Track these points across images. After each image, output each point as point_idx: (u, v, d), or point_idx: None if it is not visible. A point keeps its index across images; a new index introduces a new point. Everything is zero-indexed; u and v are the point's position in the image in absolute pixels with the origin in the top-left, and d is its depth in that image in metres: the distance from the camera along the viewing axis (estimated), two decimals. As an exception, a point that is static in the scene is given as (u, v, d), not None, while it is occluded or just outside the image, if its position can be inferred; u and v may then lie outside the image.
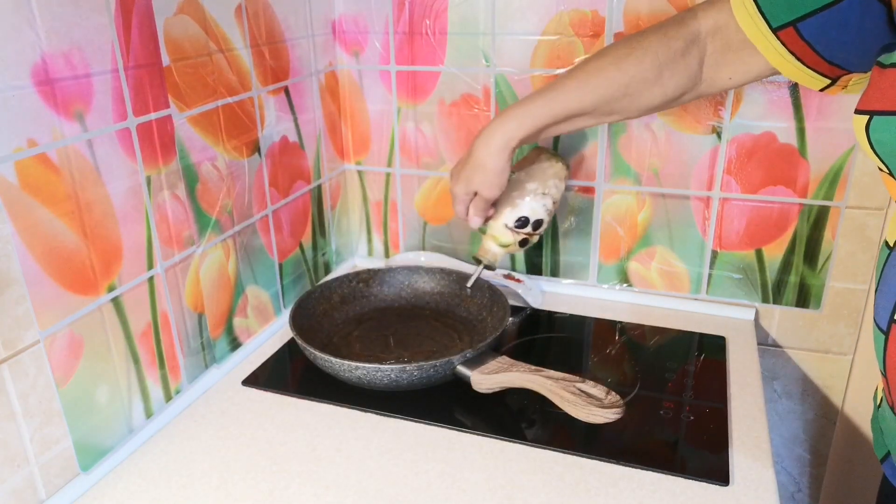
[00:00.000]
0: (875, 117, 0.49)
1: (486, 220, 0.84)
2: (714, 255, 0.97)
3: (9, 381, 0.57)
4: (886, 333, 0.54)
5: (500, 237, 0.85)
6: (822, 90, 0.66)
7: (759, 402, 0.77)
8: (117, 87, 0.64)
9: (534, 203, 0.84)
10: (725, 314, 0.97)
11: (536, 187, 0.84)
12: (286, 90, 0.92)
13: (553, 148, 0.98)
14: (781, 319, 0.97)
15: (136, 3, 0.65)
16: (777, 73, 0.66)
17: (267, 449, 0.71)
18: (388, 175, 1.09)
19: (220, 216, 0.81)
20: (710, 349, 0.89)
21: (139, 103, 0.67)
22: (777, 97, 0.87)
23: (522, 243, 0.86)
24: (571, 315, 0.98)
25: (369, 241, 1.15)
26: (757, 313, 0.97)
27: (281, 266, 0.95)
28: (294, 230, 0.98)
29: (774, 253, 0.94)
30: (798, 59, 0.62)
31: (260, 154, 0.88)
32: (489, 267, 0.88)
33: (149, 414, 0.73)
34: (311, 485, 0.66)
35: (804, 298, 0.95)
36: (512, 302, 0.92)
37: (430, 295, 0.98)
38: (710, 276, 0.98)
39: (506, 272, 1.04)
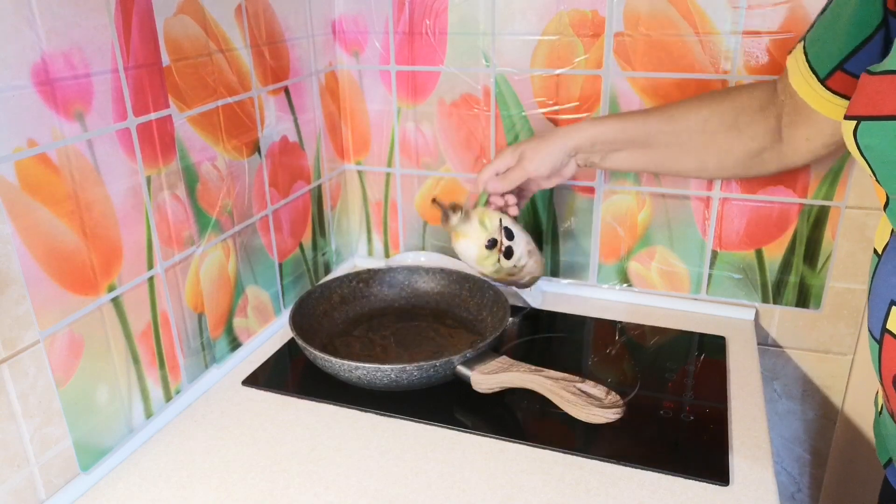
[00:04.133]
0: (862, 122, 0.50)
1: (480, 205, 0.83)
2: (714, 255, 0.97)
3: (9, 381, 0.57)
4: (880, 342, 0.54)
5: (484, 222, 0.84)
6: None
7: (759, 402, 0.77)
8: (117, 87, 0.64)
9: (524, 240, 0.86)
10: (725, 314, 0.97)
11: (529, 241, 0.87)
12: (286, 90, 0.92)
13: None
14: (781, 319, 0.97)
15: (136, 3, 0.65)
16: None
17: (267, 449, 0.71)
18: (388, 175, 1.09)
19: (220, 216, 0.81)
20: (710, 349, 0.89)
21: (139, 103, 0.67)
22: (777, 97, 0.87)
23: (492, 244, 0.84)
24: (571, 315, 0.98)
25: (369, 241, 1.15)
26: (757, 313, 0.98)
27: (281, 266, 0.95)
28: (294, 230, 0.98)
29: (774, 253, 0.94)
30: (849, 99, 0.63)
31: (260, 154, 0.88)
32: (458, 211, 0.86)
33: (149, 414, 0.73)
34: (311, 485, 0.66)
35: (804, 298, 0.95)
36: (512, 302, 0.92)
37: (430, 295, 0.98)
38: (710, 276, 0.98)
39: (506, 272, 1.04)
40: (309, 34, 0.96)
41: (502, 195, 0.85)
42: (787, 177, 0.90)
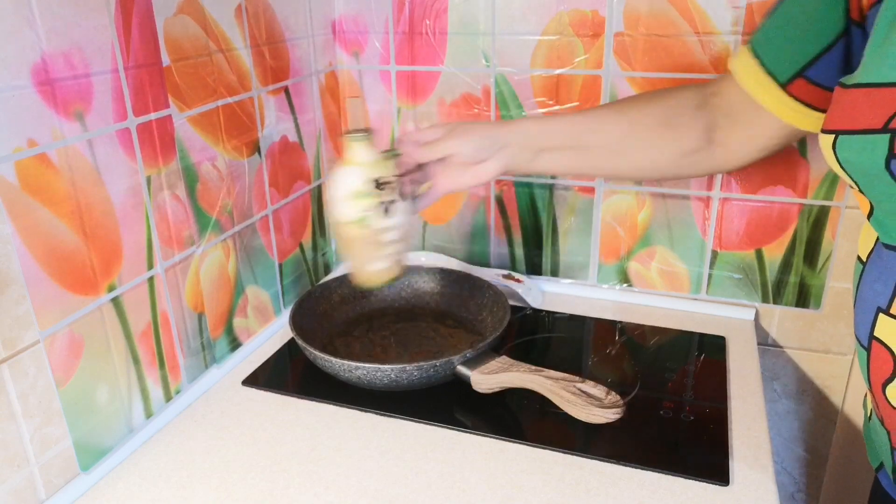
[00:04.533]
0: (840, 136, 0.50)
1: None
2: (714, 255, 0.97)
3: (9, 381, 0.57)
4: (868, 349, 0.54)
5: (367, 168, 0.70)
6: None
7: (759, 402, 0.77)
8: (117, 87, 0.64)
9: (407, 220, 0.73)
10: (725, 314, 0.97)
11: (410, 228, 0.76)
12: (286, 90, 0.92)
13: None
14: (781, 319, 0.97)
15: (136, 3, 0.65)
16: (790, 139, 0.67)
17: (267, 449, 0.71)
18: (388, 175, 1.09)
19: (220, 216, 0.81)
20: (710, 349, 0.89)
21: (139, 103, 0.67)
22: (777, 97, 0.87)
23: (381, 185, 0.70)
24: (571, 315, 0.98)
25: (369, 241, 1.15)
26: (757, 313, 0.97)
27: (281, 266, 0.95)
28: (294, 230, 0.98)
29: (774, 253, 0.94)
30: (812, 107, 0.63)
31: (260, 154, 0.88)
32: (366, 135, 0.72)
33: (149, 414, 0.73)
34: (311, 485, 0.66)
35: (804, 298, 0.95)
36: (512, 302, 0.92)
37: (430, 295, 0.98)
38: (710, 276, 0.98)
39: (506, 272, 1.04)
40: (309, 34, 0.96)
41: (413, 168, 0.75)
42: (787, 177, 0.90)
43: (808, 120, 0.64)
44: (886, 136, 0.46)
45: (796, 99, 0.63)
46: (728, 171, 0.75)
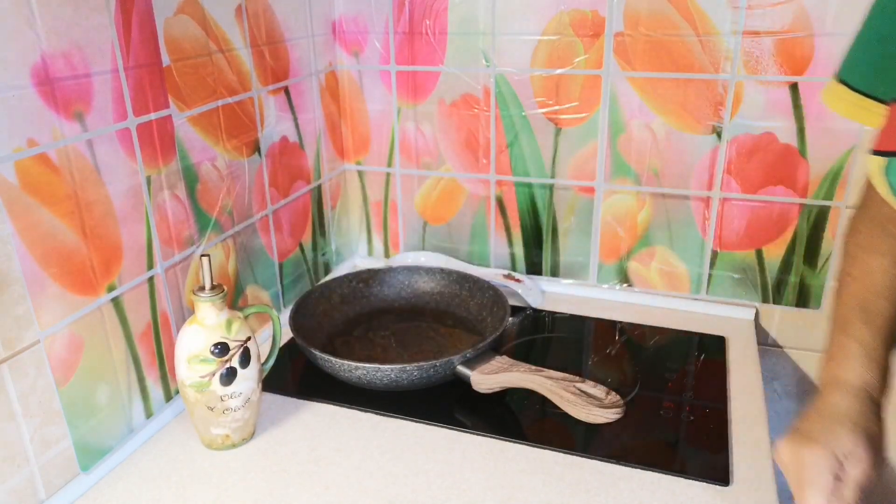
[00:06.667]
0: (893, 160, 0.45)
1: None
2: (714, 255, 0.97)
3: (9, 381, 0.57)
4: None
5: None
6: None
7: (759, 402, 0.77)
8: (117, 87, 0.64)
9: (255, 388, 0.70)
10: (725, 314, 0.97)
11: (257, 395, 0.70)
12: (286, 90, 0.92)
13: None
14: (781, 319, 0.97)
15: (136, 3, 0.65)
16: None
17: (267, 449, 0.71)
18: (387, 175, 1.09)
19: (220, 216, 0.81)
20: (710, 349, 0.89)
21: (139, 103, 0.67)
22: (777, 97, 0.87)
23: (220, 351, 0.66)
24: (571, 315, 0.98)
25: (369, 241, 1.15)
26: (757, 313, 0.97)
27: (281, 266, 0.95)
28: (294, 230, 0.98)
29: (774, 253, 0.94)
30: None
31: (260, 154, 0.88)
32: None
33: (149, 414, 0.73)
34: (311, 485, 0.66)
35: (804, 298, 0.95)
36: (512, 302, 0.92)
37: (430, 295, 0.98)
38: (710, 276, 0.98)
39: (506, 272, 1.04)
40: (309, 34, 0.96)
41: None
42: (787, 176, 0.90)
43: None
44: None
45: None
46: None
